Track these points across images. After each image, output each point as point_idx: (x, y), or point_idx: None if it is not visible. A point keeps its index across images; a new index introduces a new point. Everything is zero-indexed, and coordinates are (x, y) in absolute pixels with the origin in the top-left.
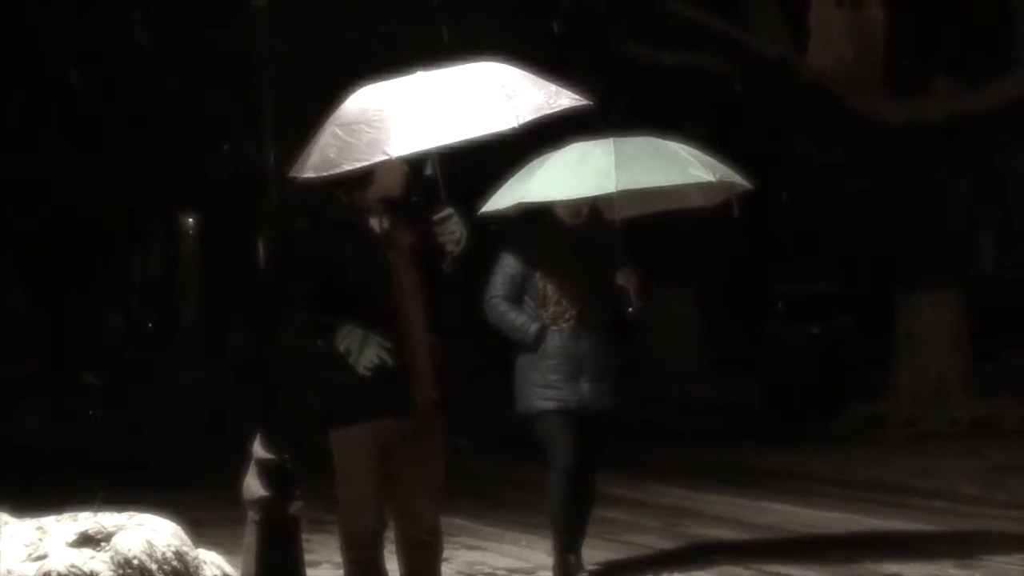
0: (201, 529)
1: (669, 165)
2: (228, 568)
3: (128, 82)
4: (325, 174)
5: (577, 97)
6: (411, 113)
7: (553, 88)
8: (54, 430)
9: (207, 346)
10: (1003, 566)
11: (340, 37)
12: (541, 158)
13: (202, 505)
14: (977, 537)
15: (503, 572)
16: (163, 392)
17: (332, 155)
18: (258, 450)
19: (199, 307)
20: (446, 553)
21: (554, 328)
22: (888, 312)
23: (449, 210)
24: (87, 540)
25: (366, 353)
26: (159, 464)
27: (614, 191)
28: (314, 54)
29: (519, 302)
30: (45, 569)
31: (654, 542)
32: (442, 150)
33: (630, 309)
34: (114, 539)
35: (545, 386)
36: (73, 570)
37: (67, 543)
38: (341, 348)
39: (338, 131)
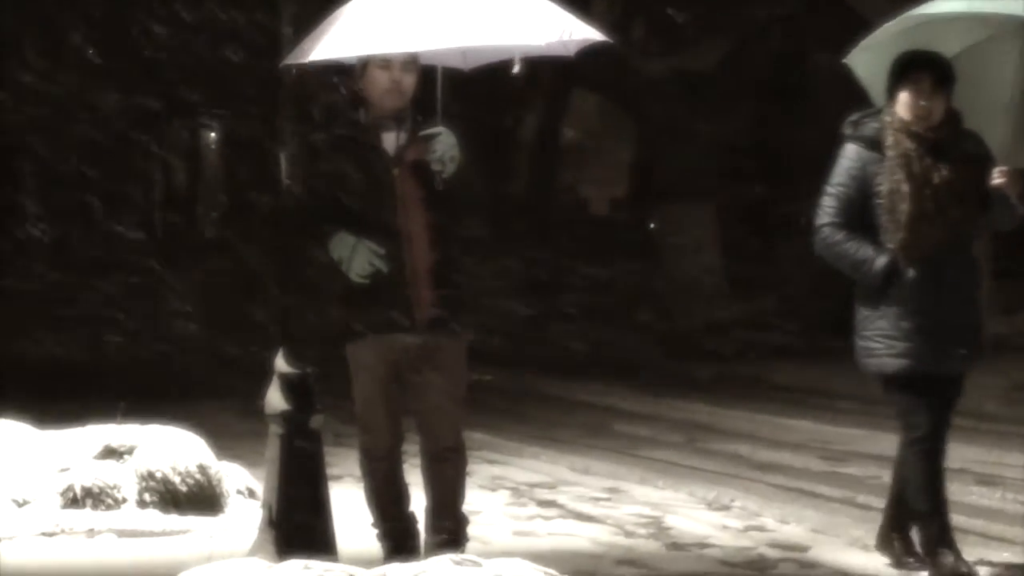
0: (223, 442)
1: None
2: (251, 481)
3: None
4: (332, 57)
5: (595, 32)
6: (428, 13)
7: (572, 18)
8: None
9: (228, 260)
10: None
11: None
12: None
13: (224, 419)
14: (998, 453)
15: (525, 487)
16: (185, 306)
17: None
18: (280, 364)
19: (220, 221)
20: (468, 467)
21: (908, 263)
22: None
23: (438, 128)
24: (110, 453)
25: (357, 260)
26: (182, 378)
27: None
28: None
29: (860, 229)
30: (69, 481)
31: (675, 457)
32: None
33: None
34: (137, 452)
35: (898, 337)
36: (97, 482)
37: (91, 456)
38: (335, 257)
39: (345, 20)
